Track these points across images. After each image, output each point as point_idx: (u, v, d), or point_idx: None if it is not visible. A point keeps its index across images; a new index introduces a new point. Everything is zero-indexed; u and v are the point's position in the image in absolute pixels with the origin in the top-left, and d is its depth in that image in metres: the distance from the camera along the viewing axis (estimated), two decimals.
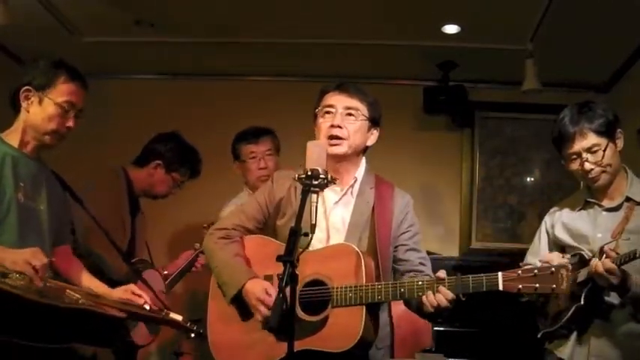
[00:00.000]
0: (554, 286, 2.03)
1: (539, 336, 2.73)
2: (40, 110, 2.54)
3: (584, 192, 2.77)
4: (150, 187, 3.58)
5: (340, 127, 2.45)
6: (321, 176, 2.19)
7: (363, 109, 2.50)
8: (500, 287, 2.09)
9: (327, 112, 2.50)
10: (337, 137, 2.45)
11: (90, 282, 2.69)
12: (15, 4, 3.61)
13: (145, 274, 3.19)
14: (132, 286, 2.67)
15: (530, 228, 4.77)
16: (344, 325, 2.27)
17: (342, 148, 2.45)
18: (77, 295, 2.28)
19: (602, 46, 4.16)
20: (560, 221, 2.77)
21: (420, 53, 4.52)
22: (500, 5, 3.80)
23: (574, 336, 2.61)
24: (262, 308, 2.33)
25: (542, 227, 2.86)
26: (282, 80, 4.86)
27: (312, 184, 2.19)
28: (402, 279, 2.42)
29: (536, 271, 2.07)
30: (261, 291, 2.35)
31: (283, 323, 2.03)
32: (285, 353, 2.06)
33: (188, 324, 2.81)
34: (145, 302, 2.62)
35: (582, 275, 2.53)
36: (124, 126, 4.83)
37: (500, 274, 2.11)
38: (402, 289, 2.26)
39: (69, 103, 2.56)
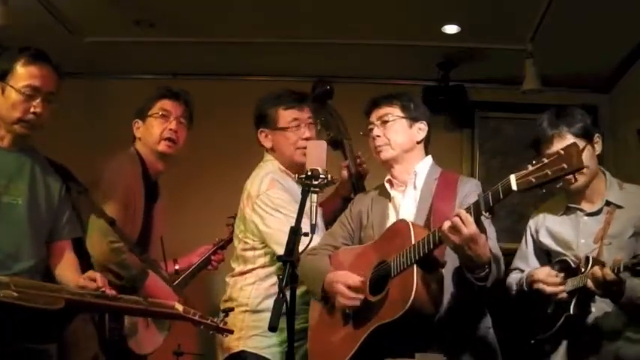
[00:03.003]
0: (565, 165, 1.93)
1: (532, 342, 2.72)
2: (3, 100, 2.42)
3: (564, 196, 2.78)
4: (150, 149, 3.11)
5: (379, 135, 2.67)
6: (321, 176, 2.24)
7: (394, 111, 2.70)
8: (514, 188, 2.03)
9: (371, 129, 2.72)
10: (379, 145, 2.67)
11: (72, 279, 2.52)
12: (15, 5, 3.61)
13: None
14: (90, 272, 2.47)
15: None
16: (401, 290, 2.31)
17: (385, 154, 2.67)
18: (12, 288, 2.20)
19: (602, 46, 4.16)
20: (545, 226, 2.79)
21: (420, 53, 4.52)
22: (500, 5, 3.81)
23: (565, 343, 2.62)
24: (340, 287, 2.46)
25: (527, 231, 2.88)
26: (282, 80, 4.85)
27: (312, 184, 2.23)
28: None
29: (544, 159, 2.00)
30: (342, 275, 2.50)
31: (357, 309, 2.41)
32: (360, 339, 2.37)
33: (196, 316, 2.60)
34: (99, 287, 2.39)
35: (570, 285, 2.54)
36: (124, 126, 4.82)
37: (512, 175, 2.06)
38: (441, 232, 2.22)
39: (30, 88, 2.41)
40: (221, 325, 2.66)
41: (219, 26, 4.25)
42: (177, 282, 3.29)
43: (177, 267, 3.39)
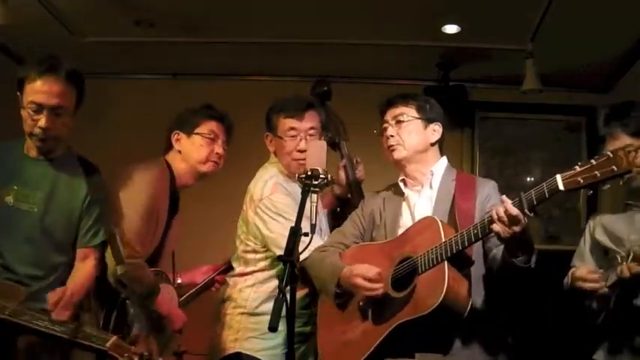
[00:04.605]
0: (614, 167, 1.93)
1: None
2: (22, 113, 2.50)
3: (624, 194, 2.72)
4: (190, 165, 3.03)
5: (392, 135, 2.67)
6: (321, 176, 2.26)
7: (409, 111, 2.68)
8: (561, 187, 2.03)
9: (385, 128, 2.71)
10: (392, 145, 2.67)
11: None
12: (15, 4, 3.62)
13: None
14: (56, 291, 2.39)
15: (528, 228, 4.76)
16: (430, 285, 2.30)
17: (398, 153, 2.66)
18: None
19: (602, 46, 4.16)
20: (601, 223, 2.75)
21: (420, 53, 4.52)
22: (500, 5, 3.81)
23: (607, 342, 2.59)
24: (359, 279, 2.44)
25: (586, 230, 2.84)
26: (282, 80, 4.86)
27: (312, 184, 2.25)
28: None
29: (593, 161, 1.99)
30: (361, 267, 2.47)
31: (376, 305, 2.41)
32: (381, 335, 2.35)
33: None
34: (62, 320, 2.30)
35: (611, 279, 2.50)
36: (124, 126, 4.83)
37: (558, 175, 2.05)
38: (475, 230, 2.26)
39: (34, 104, 2.43)
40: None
41: (220, 26, 4.25)
42: (179, 300, 3.19)
43: (179, 281, 3.29)
